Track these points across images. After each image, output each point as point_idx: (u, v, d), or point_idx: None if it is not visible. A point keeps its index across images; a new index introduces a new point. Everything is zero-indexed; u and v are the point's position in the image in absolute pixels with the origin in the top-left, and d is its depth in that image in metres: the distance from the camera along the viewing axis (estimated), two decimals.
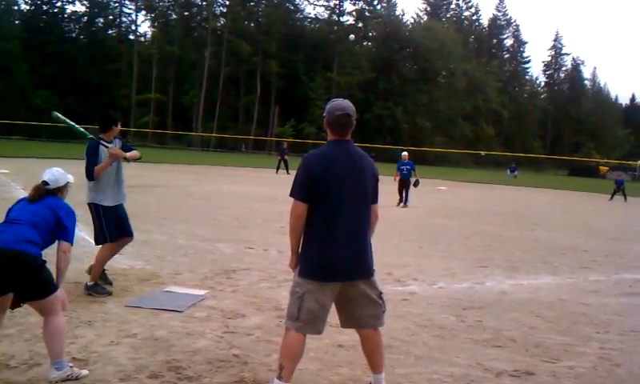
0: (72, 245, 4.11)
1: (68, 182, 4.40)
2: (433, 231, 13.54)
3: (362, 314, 3.75)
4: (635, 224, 15.40)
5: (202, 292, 6.44)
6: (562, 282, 8.44)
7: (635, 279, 8.96)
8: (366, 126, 68.89)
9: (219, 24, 79.70)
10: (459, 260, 9.61)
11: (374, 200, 3.83)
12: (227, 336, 5.06)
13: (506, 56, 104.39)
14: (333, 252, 3.60)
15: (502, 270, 8.99)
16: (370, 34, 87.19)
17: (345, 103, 3.83)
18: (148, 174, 22.91)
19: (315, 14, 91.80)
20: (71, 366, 3.89)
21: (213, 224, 12.26)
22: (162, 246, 9.09)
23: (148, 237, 9.54)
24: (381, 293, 3.79)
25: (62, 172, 4.38)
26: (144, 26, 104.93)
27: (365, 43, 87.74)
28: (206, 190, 20.60)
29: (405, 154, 20.37)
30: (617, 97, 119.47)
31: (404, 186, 19.48)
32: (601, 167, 64.24)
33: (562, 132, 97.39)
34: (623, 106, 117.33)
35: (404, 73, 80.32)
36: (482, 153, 66.88)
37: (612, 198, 31.37)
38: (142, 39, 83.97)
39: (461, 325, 5.89)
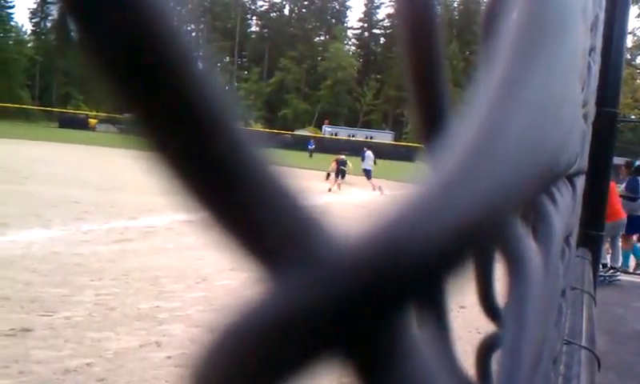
0: None
1: None
2: None
3: None
4: (122, 174, 16.36)
5: None
6: (55, 235, 8.47)
7: (125, 226, 9.59)
8: None
9: None
10: None
11: None
12: None
13: None
14: None
15: None
16: None
17: None
18: None
19: None
20: None
21: None
22: None
23: None
24: None
25: None
26: None
27: None
28: None
29: None
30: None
31: None
32: (91, 119, 65.48)
33: (51, 83, 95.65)
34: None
35: None
36: None
37: None
38: None
39: None
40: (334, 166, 21.02)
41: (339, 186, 20.27)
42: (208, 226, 0.17)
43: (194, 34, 0.16)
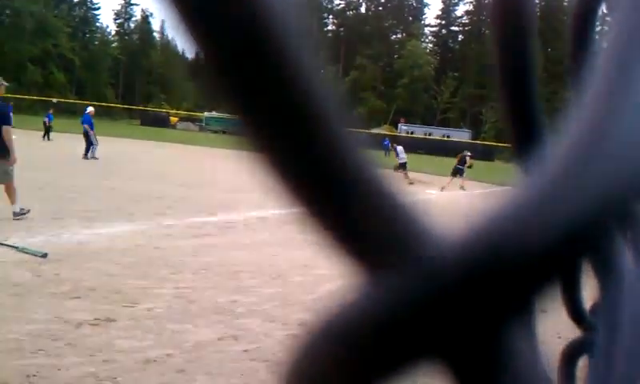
0: None
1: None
2: None
3: None
4: (204, 172, 16.78)
5: None
6: (137, 229, 8.75)
7: (204, 221, 9.81)
8: None
9: None
10: (32, 213, 9.11)
11: None
12: None
13: (75, 1, 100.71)
14: None
15: (79, 220, 8.88)
16: None
17: None
18: None
19: None
20: None
21: None
22: None
23: None
24: None
25: None
26: None
27: None
28: None
29: None
30: (184, 50, 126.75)
31: None
32: (172, 117, 67.46)
33: (134, 82, 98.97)
34: (189, 59, 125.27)
35: None
36: (54, 100, 63.87)
37: None
38: None
39: (37, 280, 5.68)
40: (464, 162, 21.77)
41: (458, 184, 20.77)
42: (305, 223, 0.17)
43: (295, 32, 0.16)
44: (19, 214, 8.68)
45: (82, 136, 21.77)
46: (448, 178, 20.96)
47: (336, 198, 0.16)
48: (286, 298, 5.88)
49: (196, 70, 0.15)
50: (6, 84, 9.19)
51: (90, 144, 20.86)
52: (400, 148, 24.46)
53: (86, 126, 21.20)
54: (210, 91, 0.15)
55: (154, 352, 4.33)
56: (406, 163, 23.30)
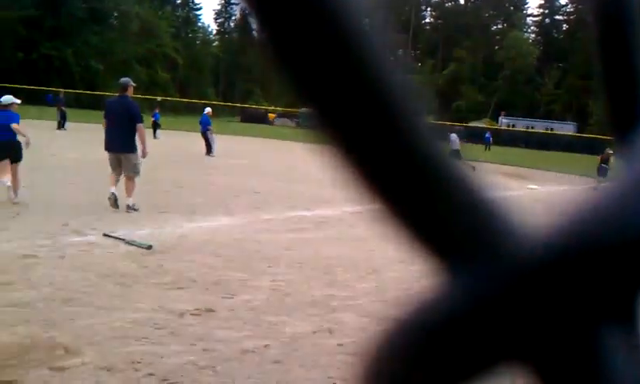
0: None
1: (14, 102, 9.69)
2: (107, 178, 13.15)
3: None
4: (298, 166, 16.98)
5: None
6: (237, 223, 8.98)
7: (301, 216, 9.94)
8: (34, 68, 63.52)
9: None
10: (139, 206, 9.55)
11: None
12: None
13: (178, 1, 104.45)
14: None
15: (181, 214, 9.22)
16: None
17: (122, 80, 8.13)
18: None
19: None
20: None
21: None
22: None
23: None
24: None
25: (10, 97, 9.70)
26: None
27: None
28: None
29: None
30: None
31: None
32: (269, 114, 68.73)
33: (234, 80, 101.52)
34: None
35: (73, 11, 75.29)
36: (159, 98, 66.58)
37: None
38: None
39: (143, 271, 5.94)
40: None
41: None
42: (385, 218, 0.16)
43: (378, 29, 0.15)
44: (131, 208, 9.24)
45: (186, 133, 22.69)
46: (594, 180, 19.40)
47: (415, 192, 0.16)
48: (382, 293, 5.86)
49: (280, 63, 0.15)
50: (133, 85, 9.92)
51: (210, 143, 21.72)
52: (454, 135, 23.68)
53: (209, 127, 22.07)
54: (291, 85, 0.15)
55: (252, 343, 4.42)
56: (458, 151, 22.49)
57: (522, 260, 0.16)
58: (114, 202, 9.15)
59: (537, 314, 0.16)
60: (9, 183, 9.15)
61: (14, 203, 8.96)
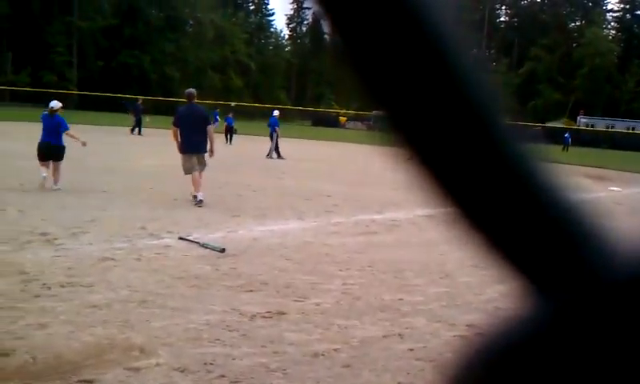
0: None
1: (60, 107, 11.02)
2: (182, 182, 13.49)
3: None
4: (368, 169, 16.93)
5: None
6: (307, 226, 9.03)
7: (371, 219, 9.91)
8: (113, 75, 66.07)
9: None
10: (212, 210, 9.77)
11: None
12: None
13: (252, 8, 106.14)
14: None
15: (253, 218, 9.35)
16: None
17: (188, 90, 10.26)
18: None
19: None
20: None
21: None
22: None
23: None
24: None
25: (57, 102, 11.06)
26: None
27: None
28: None
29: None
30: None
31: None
32: (341, 117, 68.88)
33: (305, 84, 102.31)
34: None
35: (150, 20, 77.77)
36: (232, 104, 67.83)
37: None
38: None
39: (216, 273, 6.05)
40: None
41: None
42: (460, 223, 0.16)
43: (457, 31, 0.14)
44: (199, 202, 10.16)
45: (260, 138, 23.13)
46: None
47: (496, 199, 0.15)
48: (454, 298, 5.77)
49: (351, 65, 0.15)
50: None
51: (275, 145, 22.15)
52: None
53: (277, 128, 22.51)
54: (363, 89, 0.15)
55: (322, 346, 4.43)
56: None
57: (619, 283, 0.14)
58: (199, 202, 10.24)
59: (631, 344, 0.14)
60: (45, 174, 10.81)
61: (54, 189, 10.67)
